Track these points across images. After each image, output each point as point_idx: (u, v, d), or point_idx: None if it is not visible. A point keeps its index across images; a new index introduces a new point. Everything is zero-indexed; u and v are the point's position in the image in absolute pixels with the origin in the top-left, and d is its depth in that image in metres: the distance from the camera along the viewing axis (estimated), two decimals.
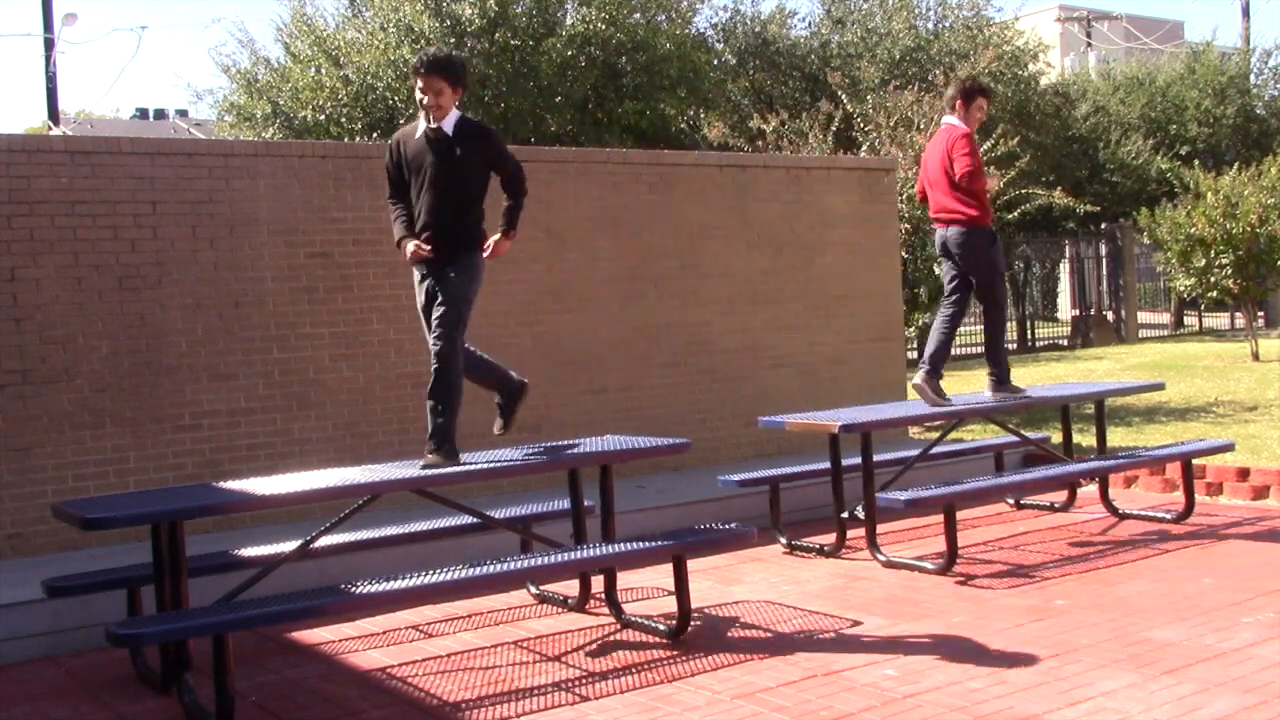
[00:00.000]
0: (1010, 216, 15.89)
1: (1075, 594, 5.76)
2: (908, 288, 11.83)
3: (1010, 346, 22.08)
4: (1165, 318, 26.51)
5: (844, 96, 15.41)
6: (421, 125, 5.60)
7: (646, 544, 5.25)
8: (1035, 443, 7.99)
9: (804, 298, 9.74)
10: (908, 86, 15.17)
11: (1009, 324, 23.39)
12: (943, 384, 7.20)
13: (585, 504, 5.84)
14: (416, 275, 5.67)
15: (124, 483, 6.94)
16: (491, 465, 5.44)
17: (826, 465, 7.06)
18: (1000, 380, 7.32)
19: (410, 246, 5.52)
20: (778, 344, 9.58)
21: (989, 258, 7.20)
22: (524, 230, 8.36)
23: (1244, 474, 7.97)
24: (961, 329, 23.26)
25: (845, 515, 6.89)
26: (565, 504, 5.96)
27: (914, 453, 7.56)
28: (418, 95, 5.56)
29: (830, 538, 6.97)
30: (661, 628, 5.44)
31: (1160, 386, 8.69)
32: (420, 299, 5.66)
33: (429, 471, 5.31)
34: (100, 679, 5.20)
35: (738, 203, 9.43)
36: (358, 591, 4.63)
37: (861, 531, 6.82)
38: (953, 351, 22.47)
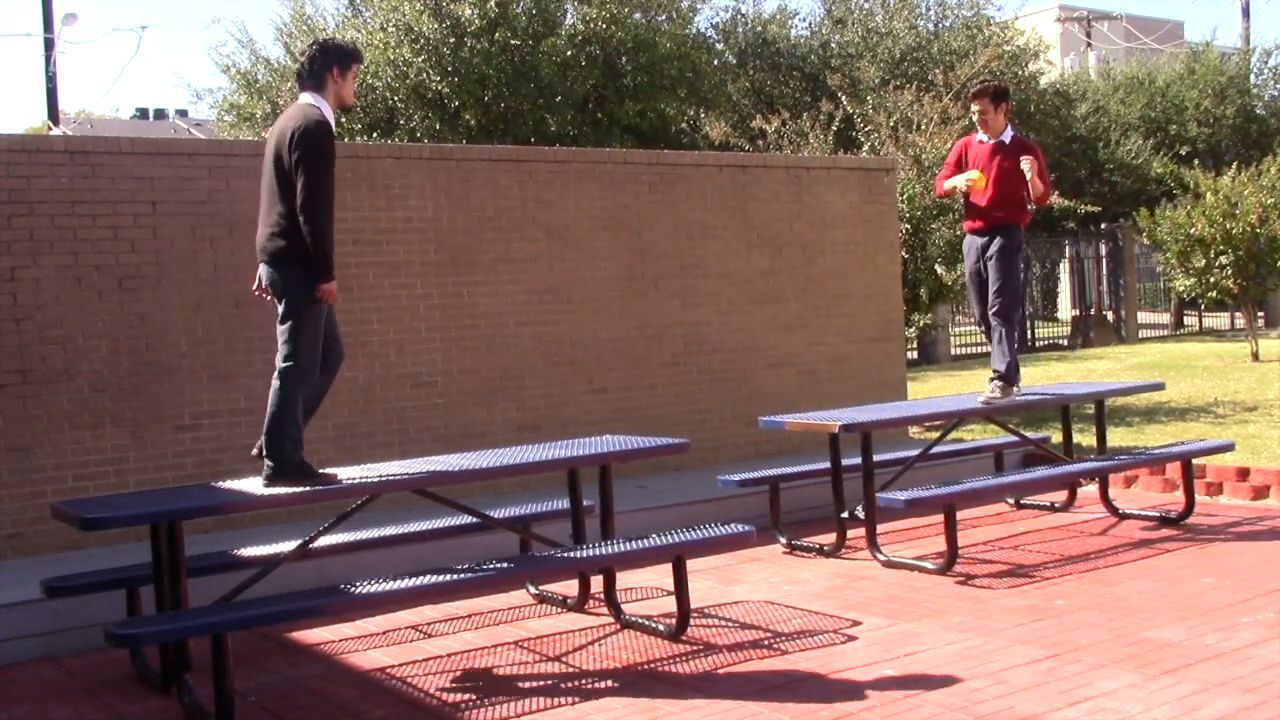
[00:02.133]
0: None
1: (1075, 594, 5.76)
2: (907, 288, 11.81)
3: None
4: (1165, 318, 26.48)
5: (844, 97, 15.41)
6: (329, 111, 5.16)
7: (646, 544, 5.25)
8: (1035, 443, 7.99)
9: (804, 298, 9.74)
10: (908, 86, 15.14)
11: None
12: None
13: (585, 504, 5.84)
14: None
15: (124, 483, 6.94)
16: (491, 464, 5.44)
17: (826, 465, 7.06)
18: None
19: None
20: (777, 344, 9.58)
21: None
22: (524, 230, 8.46)
23: (1244, 474, 7.97)
24: (961, 329, 23.10)
25: (845, 515, 6.89)
26: (565, 504, 5.96)
27: (914, 453, 7.55)
28: (352, 85, 5.31)
29: (830, 538, 6.97)
30: (661, 628, 5.44)
31: (1160, 386, 8.69)
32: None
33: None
34: (100, 679, 5.20)
35: (738, 203, 9.43)
36: (358, 591, 4.64)
37: (861, 531, 6.82)
38: (952, 351, 22.31)
